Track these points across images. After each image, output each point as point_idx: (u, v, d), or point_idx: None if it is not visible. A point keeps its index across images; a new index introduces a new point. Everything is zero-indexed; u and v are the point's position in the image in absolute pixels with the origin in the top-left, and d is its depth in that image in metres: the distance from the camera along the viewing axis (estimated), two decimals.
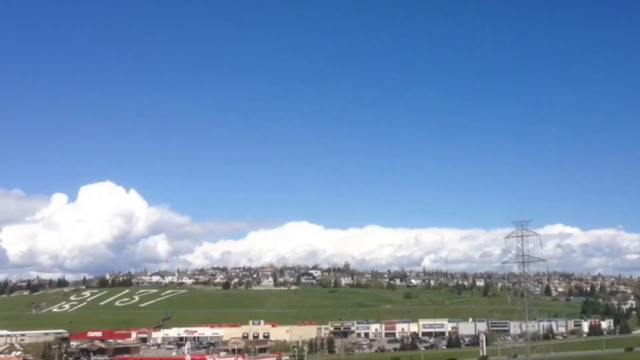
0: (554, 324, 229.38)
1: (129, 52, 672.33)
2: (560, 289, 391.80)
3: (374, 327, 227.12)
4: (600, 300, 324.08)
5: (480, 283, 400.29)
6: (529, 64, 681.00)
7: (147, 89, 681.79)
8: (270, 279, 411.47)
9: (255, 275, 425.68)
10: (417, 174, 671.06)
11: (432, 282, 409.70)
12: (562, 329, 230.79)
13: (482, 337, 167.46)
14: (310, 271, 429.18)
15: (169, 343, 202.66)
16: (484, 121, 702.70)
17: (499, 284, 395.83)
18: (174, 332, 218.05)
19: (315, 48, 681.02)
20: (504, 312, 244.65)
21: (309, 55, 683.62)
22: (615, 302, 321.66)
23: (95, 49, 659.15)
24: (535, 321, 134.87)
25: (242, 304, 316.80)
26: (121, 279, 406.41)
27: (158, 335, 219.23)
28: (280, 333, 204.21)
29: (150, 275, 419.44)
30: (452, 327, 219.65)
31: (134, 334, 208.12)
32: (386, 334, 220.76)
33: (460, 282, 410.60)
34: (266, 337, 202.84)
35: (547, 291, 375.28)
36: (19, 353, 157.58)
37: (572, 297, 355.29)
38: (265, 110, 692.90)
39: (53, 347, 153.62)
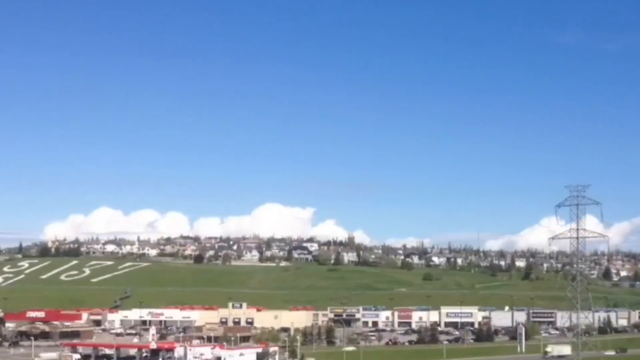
0: (613, 315, 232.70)
1: None
2: (623, 273, 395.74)
3: (384, 315, 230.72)
4: None
5: (520, 263, 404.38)
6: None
7: None
8: (255, 252, 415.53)
9: (235, 247, 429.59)
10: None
11: (459, 261, 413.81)
12: (623, 322, 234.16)
13: (521, 330, 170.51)
14: (304, 244, 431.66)
15: (130, 327, 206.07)
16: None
17: (545, 265, 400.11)
18: (135, 314, 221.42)
19: None
20: (549, 299, 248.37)
21: None
22: None
23: None
24: (589, 311, 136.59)
25: (219, 282, 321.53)
26: (67, 247, 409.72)
27: (115, 317, 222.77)
28: (266, 319, 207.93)
29: (104, 244, 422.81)
30: (484, 317, 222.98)
31: (84, 315, 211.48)
32: (400, 324, 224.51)
33: (495, 261, 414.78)
34: (249, 323, 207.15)
35: (607, 274, 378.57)
36: None
37: (638, 283, 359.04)
38: None
39: None
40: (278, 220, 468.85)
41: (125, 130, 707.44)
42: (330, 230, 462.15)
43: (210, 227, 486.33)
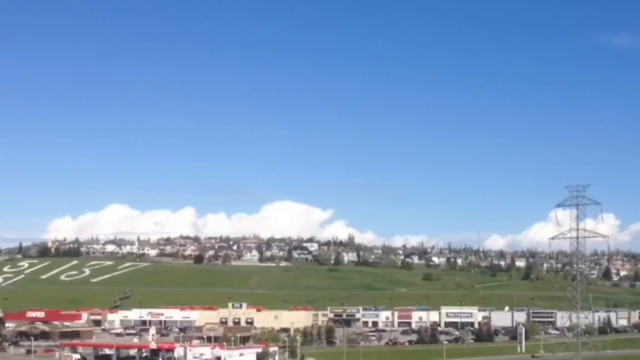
0: (613, 315, 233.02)
1: None
2: (623, 272, 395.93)
3: (384, 315, 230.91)
4: None
5: (520, 263, 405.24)
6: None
7: None
8: (255, 252, 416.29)
9: (235, 248, 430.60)
10: None
11: (459, 261, 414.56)
12: (623, 322, 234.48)
13: (521, 330, 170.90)
14: (304, 244, 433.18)
15: (130, 327, 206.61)
16: None
17: (545, 265, 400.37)
18: (135, 314, 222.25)
19: None
20: (549, 299, 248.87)
21: None
22: None
23: None
24: (589, 311, 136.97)
25: (219, 282, 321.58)
26: (67, 247, 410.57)
27: (115, 317, 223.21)
28: (266, 319, 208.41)
29: (104, 244, 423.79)
30: (484, 317, 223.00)
31: (84, 316, 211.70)
32: (400, 324, 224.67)
33: (495, 261, 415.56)
34: (249, 323, 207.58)
35: (607, 274, 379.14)
36: None
37: (638, 283, 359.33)
38: None
39: None
40: (291, 220, 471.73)
41: (130, 129, 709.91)
42: (340, 231, 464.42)
43: (218, 226, 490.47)
